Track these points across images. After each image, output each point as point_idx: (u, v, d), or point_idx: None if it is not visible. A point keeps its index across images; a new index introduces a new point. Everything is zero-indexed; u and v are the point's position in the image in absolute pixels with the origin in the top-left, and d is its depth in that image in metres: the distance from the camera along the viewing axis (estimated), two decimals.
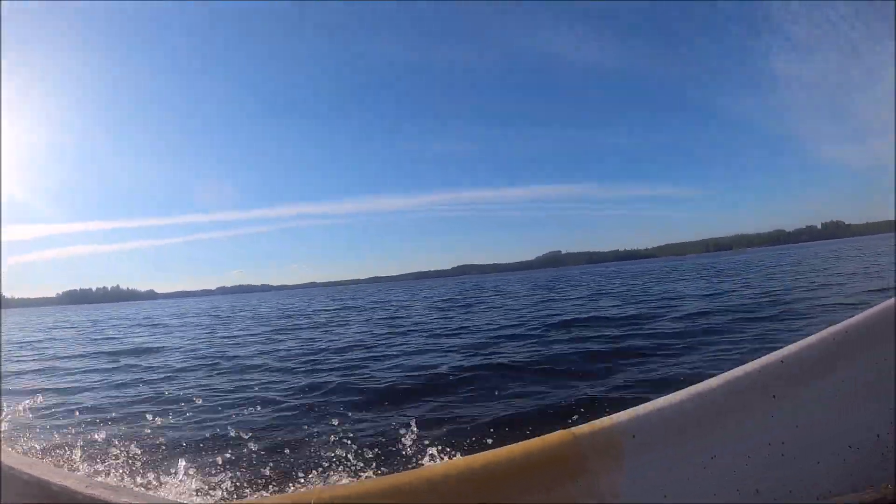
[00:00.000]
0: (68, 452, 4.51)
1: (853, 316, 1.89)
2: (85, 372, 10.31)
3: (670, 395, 1.87)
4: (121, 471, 4.07)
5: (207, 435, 5.20)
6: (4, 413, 5.60)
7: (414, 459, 3.96)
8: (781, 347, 1.88)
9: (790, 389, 1.82)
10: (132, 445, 4.42)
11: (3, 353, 14.38)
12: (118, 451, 4.36)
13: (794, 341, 1.89)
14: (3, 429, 5.06)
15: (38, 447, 4.76)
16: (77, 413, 6.30)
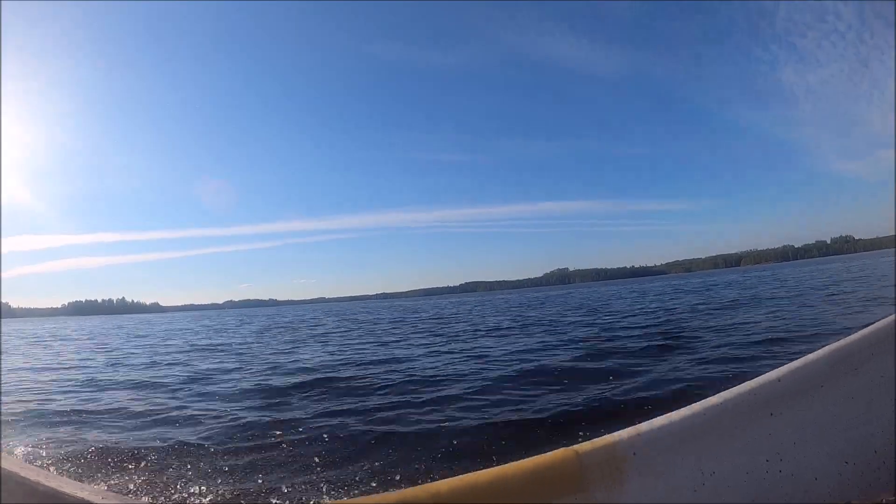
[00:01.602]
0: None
1: (850, 334, 1.94)
2: None
3: (670, 413, 1.91)
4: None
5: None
6: None
7: (419, 475, 3.98)
8: (779, 366, 1.93)
9: (787, 406, 1.86)
10: None
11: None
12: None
13: (792, 359, 1.93)
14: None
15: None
16: None
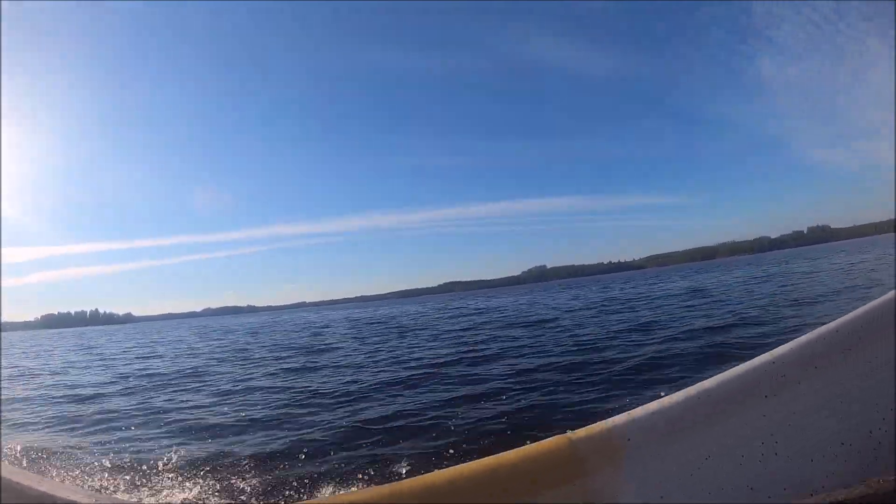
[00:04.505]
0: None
1: (846, 313, 1.92)
2: None
3: (664, 398, 1.88)
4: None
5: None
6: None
7: (413, 467, 3.93)
8: (774, 348, 1.91)
9: (783, 388, 1.84)
10: None
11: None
12: None
13: (787, 341, 1.92)
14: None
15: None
16: None
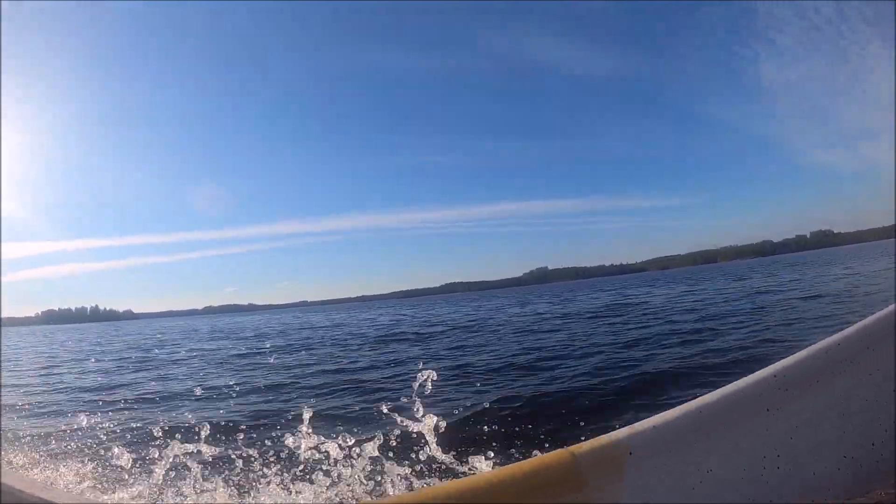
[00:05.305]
0: None
1: (847, 327, 1.93)
2: None
3: (666, 412, 1.88)
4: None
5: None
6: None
7: (415, 481, 3.92)
8: (776, 361, 1.91)
9: (785, 402, 1.84)
10: None
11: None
12: None
13: (789, 354, 1.92)
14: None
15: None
16: None
